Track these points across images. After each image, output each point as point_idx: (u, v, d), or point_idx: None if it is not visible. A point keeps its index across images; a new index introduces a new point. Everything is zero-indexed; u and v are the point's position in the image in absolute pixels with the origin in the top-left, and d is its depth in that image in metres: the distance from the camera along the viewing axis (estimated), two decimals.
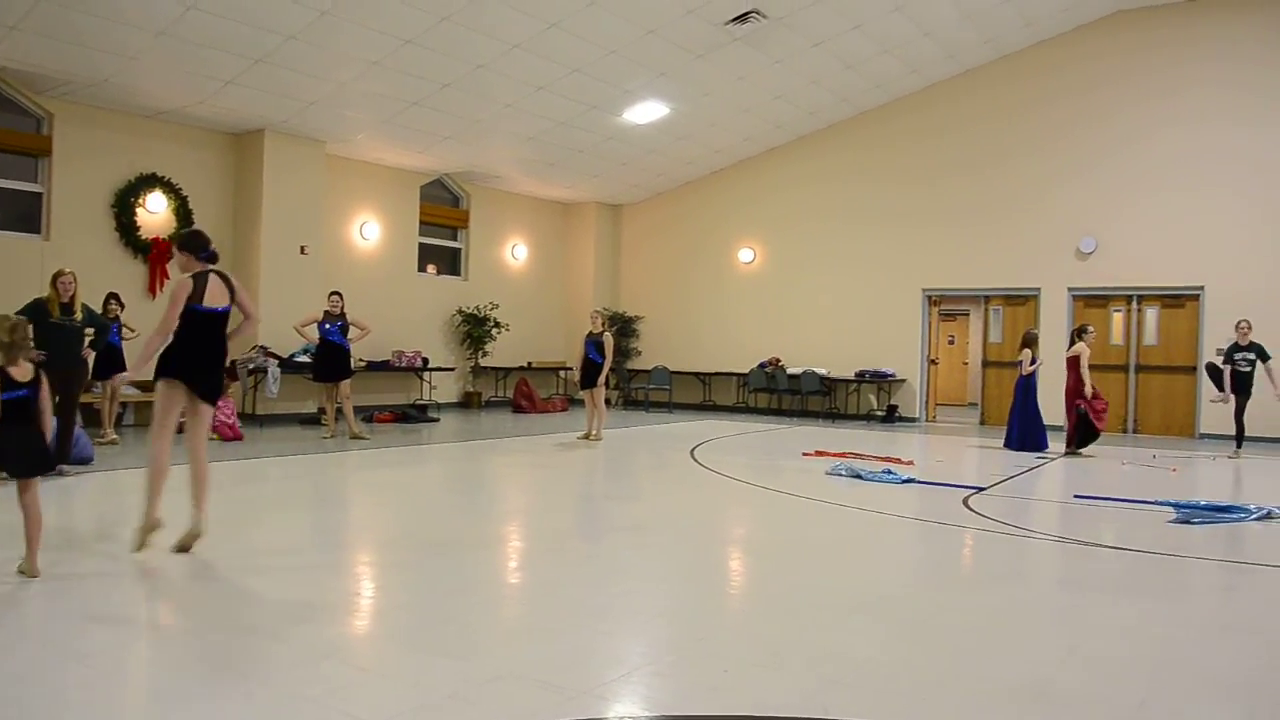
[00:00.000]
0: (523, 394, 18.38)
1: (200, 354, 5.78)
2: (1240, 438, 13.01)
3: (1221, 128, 15.36)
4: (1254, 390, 12.93)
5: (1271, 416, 13.71)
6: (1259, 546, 7.19)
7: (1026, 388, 13.37)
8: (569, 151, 17.27)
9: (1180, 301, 15.93)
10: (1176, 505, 8.27)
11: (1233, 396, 12.98)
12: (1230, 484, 10.67)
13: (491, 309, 18.34)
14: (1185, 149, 15.61)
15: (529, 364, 19.53)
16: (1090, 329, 13.48)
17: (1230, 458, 12.82)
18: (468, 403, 18.45)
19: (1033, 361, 13.37)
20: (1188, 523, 7.78)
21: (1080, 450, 12.87)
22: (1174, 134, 15.71)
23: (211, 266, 5.87)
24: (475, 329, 18.23)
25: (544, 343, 20.19)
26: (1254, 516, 8.04)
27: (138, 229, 13.43)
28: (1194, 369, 15.48)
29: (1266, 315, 14.15)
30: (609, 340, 13.47)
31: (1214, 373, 13.33)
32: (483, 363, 18.51)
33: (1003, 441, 13.57)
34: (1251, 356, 12.86)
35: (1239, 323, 13.10)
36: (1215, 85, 15.46)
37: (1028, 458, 12.42)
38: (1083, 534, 7.50)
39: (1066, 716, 3.59)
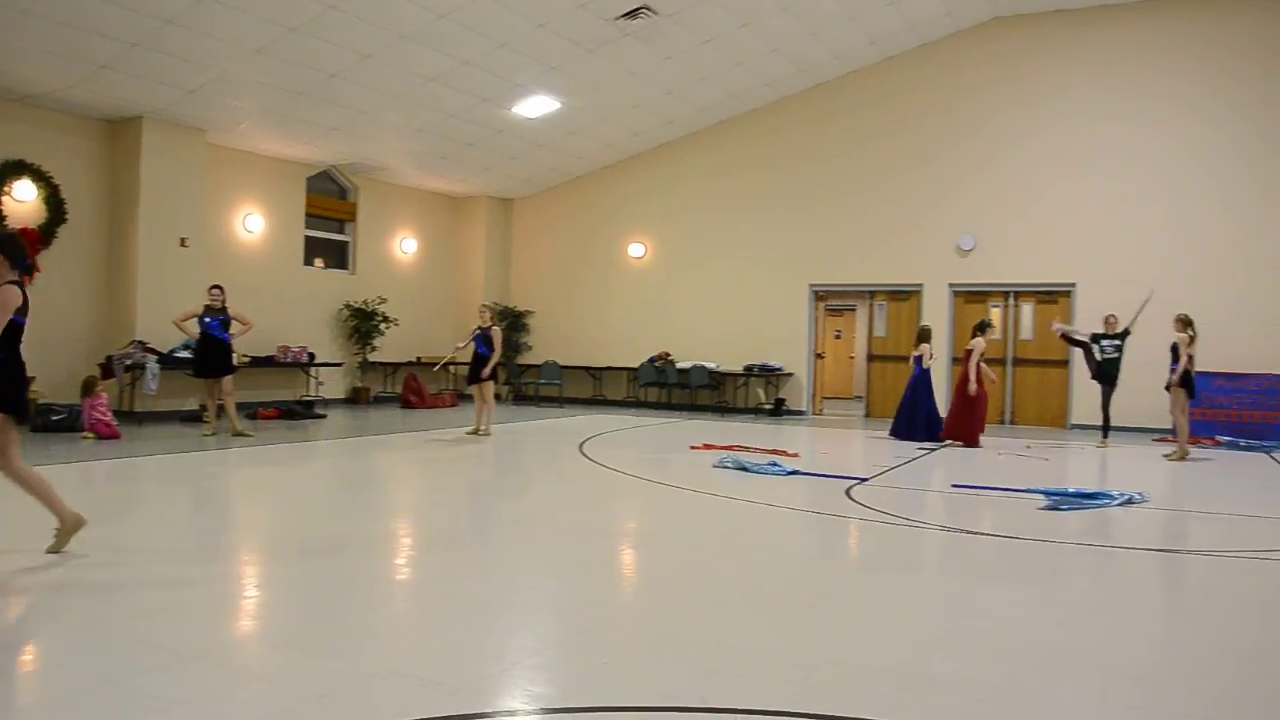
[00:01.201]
0: (411, 389, 18.17)
1: (21, 370, 5.47)
2: (1106, 427, 13.58)
3: (1092, 132, 16.02)
4: (1120, 380, 13.54)
5: (1134, 407, 14.34)
6: (1121, 530, 7.53)
7: (924, 380, 13.79)
8: (459, 144, 17.12)
9: (1054, 298, 16.55)
10: (1047, 493, 8.61)
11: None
12: (1097, 472, 11.14)
13: (380, 303, 18.09)
14: (1058, 152, 16.24)
15: (418, 359, 19.31)
16: (991, 325, 13.97)
17: (1098, 447, 13.37)
18: (356, 399, 18.16)
19: (930, 356, 13.78)
20: (1057, 509, 8.12)
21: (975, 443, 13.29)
22: (1048, 137, 16.33)
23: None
24: (363, 323, 17.95)
25: (433, 337, 19.97)
26: (1117, 502, 8.43)
27: (3, 218, 12.83)
28: (1067, 363, 16.12)
29: (1128, 308, 14.80)
30: (498, 334, 13.41)
31: (1079, 343, 13.97)
32: (371, 358, 18.24)
33: (889, 430, 14.00)
34: (1118, 343, 13.44)
35: (1107, 316, 13.70)
36: (1087, 91, 16.11)
37: (909, 448, 12.77)
38: (959, 522, 7.76)
39: (935, 699, 3.71)
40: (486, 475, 10.41)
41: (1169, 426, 13.05)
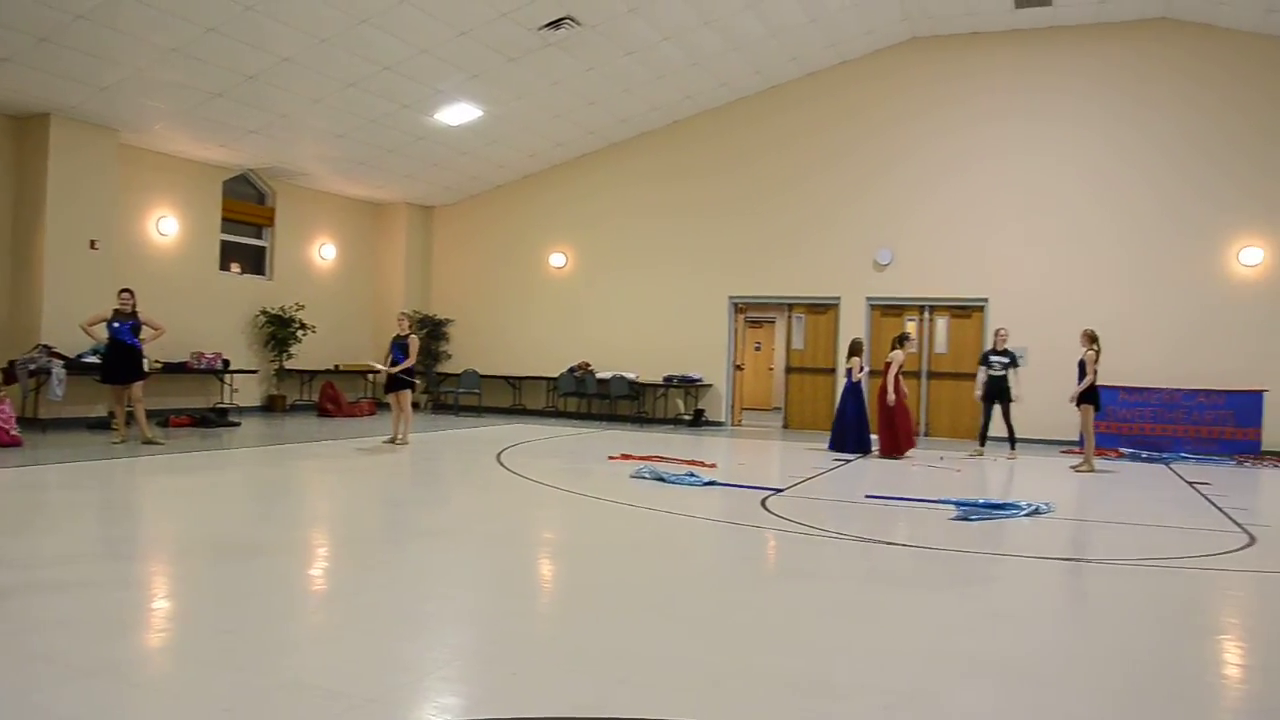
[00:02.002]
0: (329, 397, 17.92)
1: None
2: (1012, 439, 13.91)
3: (1006, 152, 16.48)
4: (1013, 394, 13.91)
5: (1042, 420, 14.72)
6: (1027, 540, 7.71)
7: (854, 393, 13.99)
8: (379, 150, 16.96)
9: (968, 312, 16.94)
10: (957, 504, 8.82)
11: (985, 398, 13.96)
12: (1006, 483, 11.39)
13: (297, 310, 17.82)
14: (973, 170, 16.66)
15: (336, 367, 19.06)
16: (910, 338, 14.23)
17: (1008, 459, 13.68)
18: (271, 406, 17.86)
19: (861, 369, 13.98)
20: (966, 520, 8.31)
21: (899, 454, 13.51)
22: (964, 155, 16.75)
23: None
24: (280, 330, 17.66)
25: (352, 345, 19.72)
26: (1024, 513, 8.66)
27: None
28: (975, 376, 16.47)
29: (1040, 324, 15.35)
30: (415, 342, 13.31)
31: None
32: (287, 365, 17.95)
33: (827, 444, 14.22)
34: (1005, 360, 13.81)
35: (998, 330, 14.09)
36: (1001, 112, 16.57)
37: (826, 460, 12.94)
38: (871, 532, 7.88)
39: (843, 706, 3.78)
40: (402, 485, 10.31)
41: (1076, 439, 13.39)
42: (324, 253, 19.31)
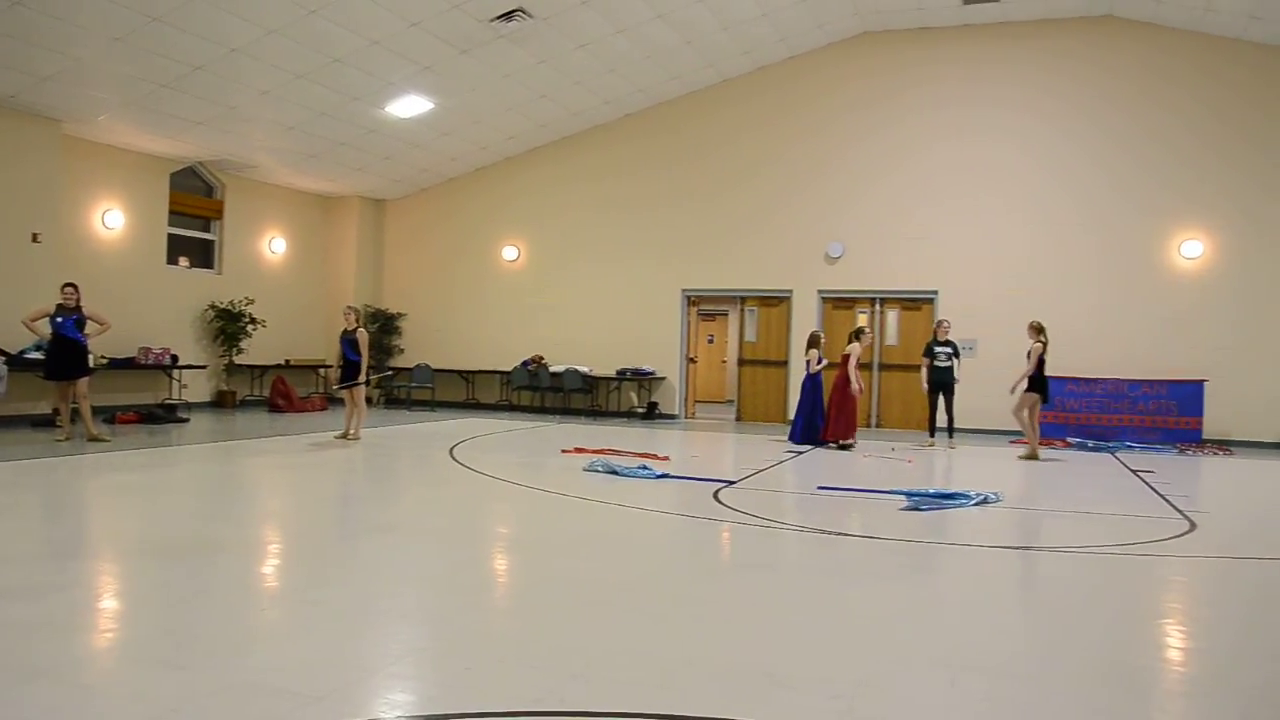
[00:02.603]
0: (279, 393, 17.74)
1: None
2: (951, 429, 14.17)
3: (956, 144, 16.68)
4: (957, 384, 14.17)
5: (991, 410, 14.91)
6: (976, 529, 7.81)
7: (813, 385, 14.08)
8: (330, 143, 16.80)
9: (918, 305, 17.13)
10: (908, 494, 8.91)
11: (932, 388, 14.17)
12: (956, 473, 11.54)
13: (247, 304, 17.62)
14: (924, 163, 16.85)
15: (286, 361, 18.87)
16: (866, 332, 14.38)
17: (947, 448, 13.88)
18: (221, 402, 17.65)
19: (819, 361, 14.06)
20: (917, 509, 8.40)
21: (846, 444, 13.61)
22: (915, 149, 16.94)
23: None
24: (229, 325, 17.46)
25: (303, 340, 19.54)
26: (973, 502, 8.77)
27: None
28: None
29: (989, 316, 15.55)
30: (364, 336, 13.20)
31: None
32: (237, 360, 17.75)
33: (788, 435, 14.36)
34: (949, 351, 14.02)
35: (940, 321, 14.31)
36: (951, 105, 16.77)
37: (779, 452, 13.03)
38: (823, 523, 7.96)
39: (791, 697, 3.81)
40: (355, 480, 10.24)
41: (1020, 429, 13.62)
42: (274, 246, 19.11)
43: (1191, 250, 15.58)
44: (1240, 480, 11.93)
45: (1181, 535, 7.62)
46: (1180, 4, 14.88)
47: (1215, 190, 15.48)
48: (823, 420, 14.01)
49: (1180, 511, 8.71)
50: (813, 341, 14.38)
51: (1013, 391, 13.06)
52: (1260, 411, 15.22)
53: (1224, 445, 14.99)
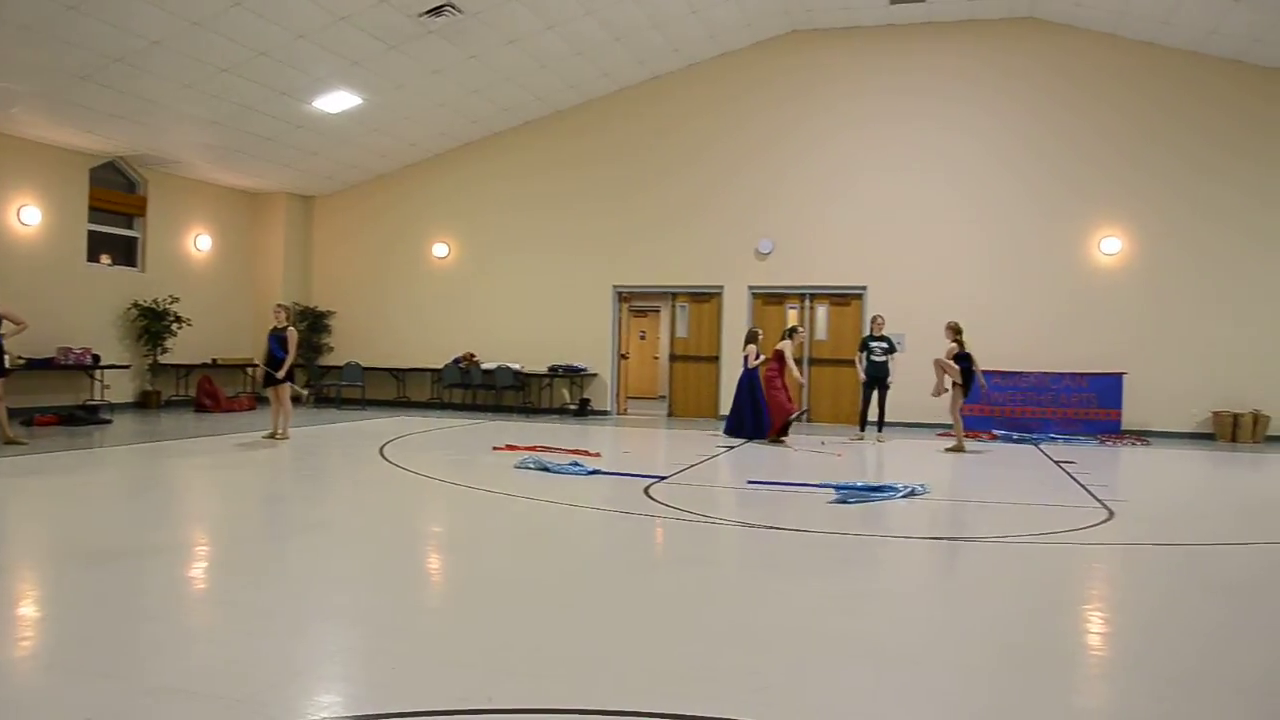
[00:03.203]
0: (206, 392, 17.43)
1: None
2: (881, 423, 14.39)
3: (883, 143, 16.92)
4: (890, 379, 14.41)
5: (918, 405, 15.15)
6: (903, 521, 7.95)
7: (750, 382, 14.17)
8: (256, 138, 16.53)
9: (847, 300, 17.35)
10: (837, 487, 9.03)
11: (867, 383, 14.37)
12: (885, 466, 11.70)
13: (171, 303, 17.28)
14: (852, 161, 17.08)
15: (213, 361, 18.54)
16: (799, 330, 14.54)
17: (876, 441, 14.09)
18: (146, 402, 17.29)
19: (756, 357, 14.14)
20: (845, 503, 8.52)
21: (781, 438, 13.73)
22: (843, 147, 17.15)
23: None
24: (154, 324, 17.09)
25: (230, 338, 19.22)
26: (901, 494, 8.91)
27: None
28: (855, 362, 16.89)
29: (917, 311, 15.81)
30: (293, 335, 13.02)
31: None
32: (162, 360, 17.40)
33: (723, 429, 14.52)
34: (885, 345, 14.25)
35: (875, 317, 14.53)
36: (877, 105, 17.02)
37: (710, 446, 13.11)
38: (752, 517, 8.03)
39: (717, 689, 3.85)
40: (283, 480, 10.10)
41: (949, 422, 13.87)
42: (199, 243, 18.75)
43: (1110, 247, 15.99)
44: (1156, 470, 12.26)
45: (1100, 524, 7.83)
46: (1098, 7, 15.26)
47: (1131, 187, 15.91)
48: (753, 415, 14.10)
49: (1099, 501, 8.95)
50: (750, 338, 14.49)
51: (937, 394, 13.37)
52: (1176, 403, 15.69)
53: (1142, 436, 15.41)
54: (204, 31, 12.56)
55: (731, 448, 13.13)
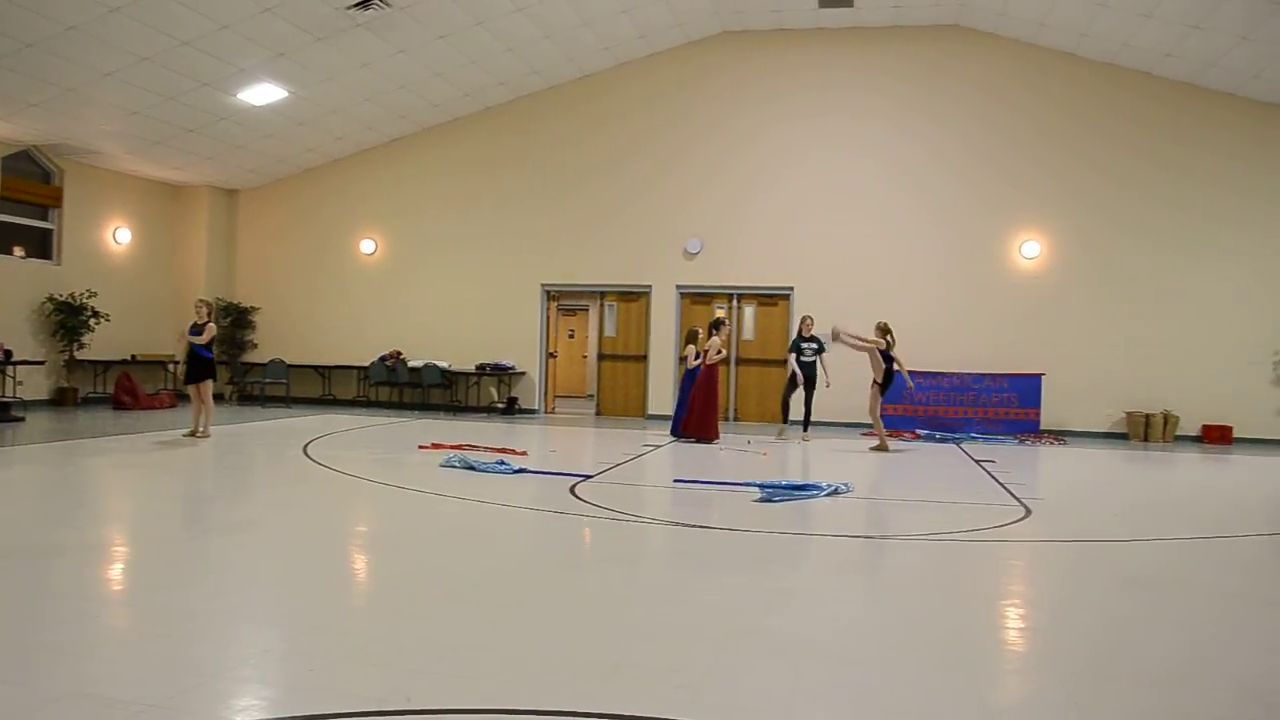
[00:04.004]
0: (125, 389, 17.03)
1: None
2: (806, 422, 14.51)
3: (810, 144, 17.13)
4: (818, 379, 14.51)
5: (842, 405, 15.37)
6: (827, 519, 8.03)
7: (692, 381, 14.17)
8: (178, 130, 16.19)
9: (774, 300, 17.51)
10: (761, 485, 9.10)
11: (801, 383, 14.48)
12: (809, 465, 11.84)
13: (89, 297, 16.85)
14: (780, 161, 17.25)
15: (133, 357, 18.12)
16: (725, 324, 14.53)
17: (801, 440, 14.25)
18: (62, 400, 16.84)
19: (696, 357, 14.15)
20: (770, 501, 8.59)
21: (702, 439, 13.80)
22: (771, 147, 17.32)
23: None
24: (70, 319, 16.66)
25: (150, 334, 18.79)
26: (825, 493, 9.01)
27: None
28: (785, 362, 17.01)
29: (842, 312, 15.94)
30: (210, 330, 12.78)
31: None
32: (79, 356, 16.97)
33: (669, 430, 14.49)
34: (815, 346, 14.40)
35: (804, 318, 14.66)
36: (806, 105, 17.21)
37: (637, 445, 13.15)
38: (677, 515, 8.08)
39: (637, 687, 3.87)
40: (203, 479, 9.90)
41: (871, 422, 14.06)
42: (118, 237, 18.31)
43: (1031, 250, 16.37)
44: (1072, 468, 12.56)
45: (1018, 521, 8.01)
46: (1019, 18, 15.63)
47: (1050, 193, 16.31)
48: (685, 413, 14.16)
49: (1017, 499, 9.15)
50: (691, 337, 14.50)
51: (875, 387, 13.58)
52: (1092, 402, 16.12)
53: (1059, 435, 15.80)
54: (123, 18, 12.27)
55: (659, 447, 13.17)
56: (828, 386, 14.38)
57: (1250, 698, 3.97)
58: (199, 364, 12.67)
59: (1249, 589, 6.08)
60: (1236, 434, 15.63)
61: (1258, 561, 7.05)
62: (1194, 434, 15.83)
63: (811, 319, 14.68)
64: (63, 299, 16.66)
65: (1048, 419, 16.03)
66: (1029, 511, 8.45)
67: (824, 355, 14.53)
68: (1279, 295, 15.70)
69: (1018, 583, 6.24)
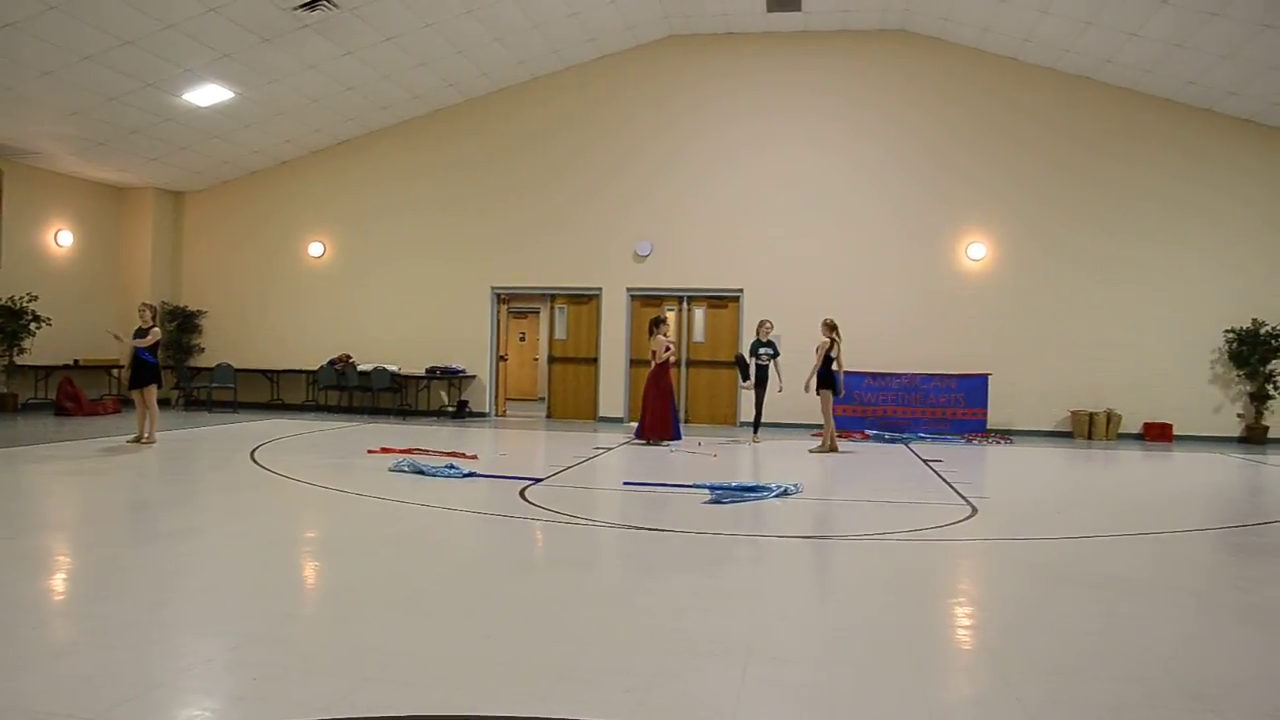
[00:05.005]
0: (67, 395, 16.73)
1: None
2: (758, 424, 14.58)
3: (759, 147, 17.24)
4: (770, 383, 14.54)
5: (794, 406, 15.44)
6: (776, 520, 8.10)
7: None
8: (121, 131, 15.94)
9: (724, 302, 17.59)
10: (711, 487, 9.15)
11: (753, 386, 14.55)
12: (759, 466, 11.91)
13: (30, 300, 16.54)
14: (730, 164, 17.35)
15: (75, 362, 17.81)
16: (665, 322, 14.55)
17: (752, 443, 14.32)
18: (1, 406, 16.50)
19: (665, 349, 14.10)
20: (720, 503, 8.64)
21: (663, 440, 13.81)
22: (720, 150, 17.40)
23: None
24: (9, 323, 16.34)
25: (94, 339, 18.46)
26: (774, 494, 9.08)
27: None
28: (737, 363, 17.11)
29: (792, 314, 16.13)
30: (155, 334, 12.61)
31: (741, 364, 14.84)
32: (19, 360, 16.65)
33: (634, 433, 14.48)
34: (770, 351, 14.48)
35: (762, 322, 14.72)
36: (755, 108, 17.33)
37: (586, 448, 13.15)
38: (627, 518, 8.10)
39: (588, 691, 3.88)
40: (147, 486, 9.75)
41: (822, 422, 14.17)
42: (60, 239, 18.00)
43: (976, 252, 16.60)
44: (1018, 467, 12.75)
45: (964, 520, 8.12)
46: (964, 23, 15.85)
47: (996, 196, 16.56)
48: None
49: (964, 498, 9.29)
50: (654, 326, 14.50)
51: (806, 389, 13.62)
52: (1037, 402, 16.38)
53: (1006, 435, 16.03)
54: (63, 16, 12.06)
55: (610, 449, 13.18)
56: (780, 390, 14.42)
57: (1184, 689, 4.06)
58: (143, 369, 12.50)
59: (1183, 583, 6.24)
60: (1176, 431, 15.97)
61: (1191, 556, 7.21)
62: (1136, 432, 16.14)
63: (770, 323, 14.70)
64: (2, 303, 16.33)
65: (994, 419, 16.26)
66: (975, 510, 8.57)
67: (778, 360, 14.53)
68: (1215, 299, 16.06)
69: (963, 581, 6.33)
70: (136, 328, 12.63)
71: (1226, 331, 16.01)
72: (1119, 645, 4.72)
